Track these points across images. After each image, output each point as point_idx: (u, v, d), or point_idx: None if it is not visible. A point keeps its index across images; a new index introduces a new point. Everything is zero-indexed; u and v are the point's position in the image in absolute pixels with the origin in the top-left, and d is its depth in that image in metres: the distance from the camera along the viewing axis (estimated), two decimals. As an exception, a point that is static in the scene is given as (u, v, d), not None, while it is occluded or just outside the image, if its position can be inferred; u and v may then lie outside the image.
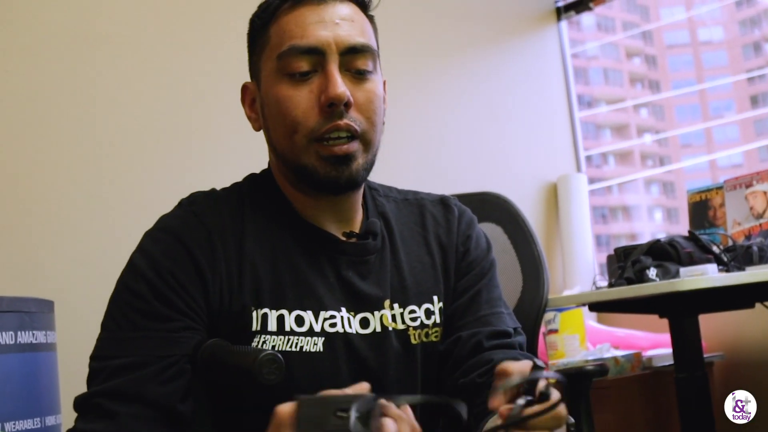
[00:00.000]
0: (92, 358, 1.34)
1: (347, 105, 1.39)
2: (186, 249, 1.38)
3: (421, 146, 3.98)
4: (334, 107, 1.38)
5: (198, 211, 1.45)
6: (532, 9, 4.66)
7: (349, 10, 1.45)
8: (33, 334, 2.11)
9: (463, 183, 3.81)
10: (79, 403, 1.31)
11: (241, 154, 2.88)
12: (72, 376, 1.86)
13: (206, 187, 1.55)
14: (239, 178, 1.59)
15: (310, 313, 1.42)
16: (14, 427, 2.00)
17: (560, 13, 4.73)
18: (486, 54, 4.42)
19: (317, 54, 1.40)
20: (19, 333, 2.06)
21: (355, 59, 1.42)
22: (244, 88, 1.56)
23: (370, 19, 1.52)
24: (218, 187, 1.55)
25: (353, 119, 1.40)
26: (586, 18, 4.98)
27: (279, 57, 1.42)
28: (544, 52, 4.69)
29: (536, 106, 4.58)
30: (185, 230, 1.41)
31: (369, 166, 1.47)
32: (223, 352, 1.32)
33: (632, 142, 21.77)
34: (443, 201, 1.65)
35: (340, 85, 1.38)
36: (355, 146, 1.41)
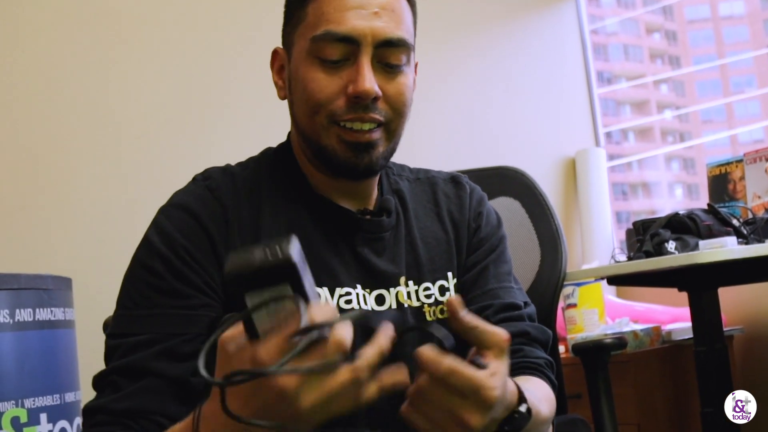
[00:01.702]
0: (109, 335, 1.34)
1: (375, 99, 1.38)
2: (200, 224, 1.37)
3: (440, 121, 3.97)
4: (360, 100, 1.36)
5: (212, 186, 1.43)
6: (550, -17, 4.64)
7: None
8: (51, 311, 2.12)
9: (481, 157, 3.81)
10: (96, 381, 1.32)
11: (259, 127, 2.88)
12: (90, 353, 1.87)
13: (224, 162, 1.54)
14: (257, 151, 1.57)
15: (325, 289, 1.40)
16: (34, 404, 2.01)
17: (578, -14, 4.70)
18: (504, 29, 4.40)
19: (351, 43, 1.37)
20: (37, 310, 2.08)
21: (389, 53, 1.39)
22: (275, 53, 1.53)
23: (411, 3, 1.49)
24: (237, 161, 1.55)
25: (380, 111, 1.39)
26: (606, -6, 4.93)
27: (313, 39, 1.39)
28: (562, 27, 4.66)
29: (555, 82, 4.56)
30: (199, 206, 1.40)
31: (389, 154, 1.46)
32: None
33: (652, 118, 21.71)
34: (454, 178, 1.64)
35: (369, 81, 1.36)
36: (378, 134, 1.40)
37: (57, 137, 2.93)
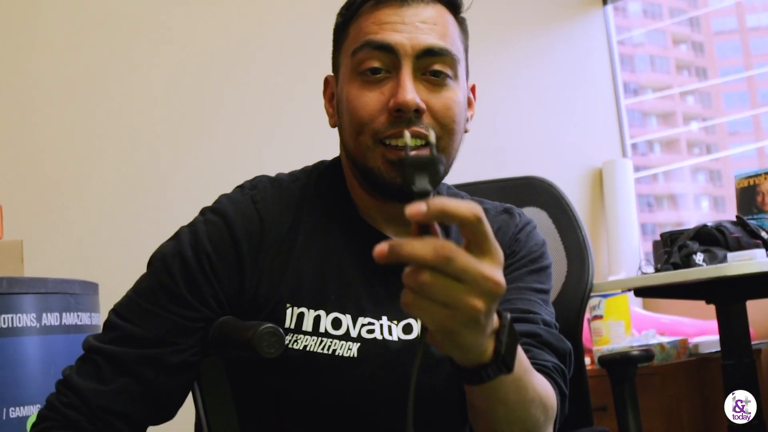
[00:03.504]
0: (114, 309, 1.35)
1: (418, 112, 1.32)
2: (232, 237, 1.36)
3: (468, 132, 3.96)
4: (401, 113, 1.31)
5: (257, 198, 1.41)
6: (578, -7, 4.63)
7: (433, 13, 1.39)
8: (78, 316, 2.12)
9: (508, 168, 3.80)
10: (87, 348, 1.32)
11: (294, 144, 2.88)
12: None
13: (253, 173, 1.51)
14: (289, 164, 1.55)
15: (348, 317, 1.38)
16: (59, 408, 2.02)
17: (606, -3, 4.70)
18: (531, 40, 4.40)
19: (391, 53, 1.34)
20: (64, 314, 2.08)
21: (431, 63, 1.35)
22: (326, 82, 1.51)
23: (461, 22, 1.46)
24: (264, 173, 1.51)
25: (425, 126, 1.33)
26: (633, 5, 4.93)
27: (353, 53, 1.37)
28: (589, 38, 4.66)
29: (582, 93, 4.55)
30: (238, 217, 1.38)
31: (441, 176, 1.41)
32: (229, 329, 1.32)
33: (679, 129, 21.54)
34: (507, 210, 1.58)
35: (410, 92, 1.31)
36: (425, 153, 1.30)
37: (85, 143, 2.94)
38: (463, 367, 1.05)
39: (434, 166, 0.95)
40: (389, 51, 1.34)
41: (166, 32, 3.21)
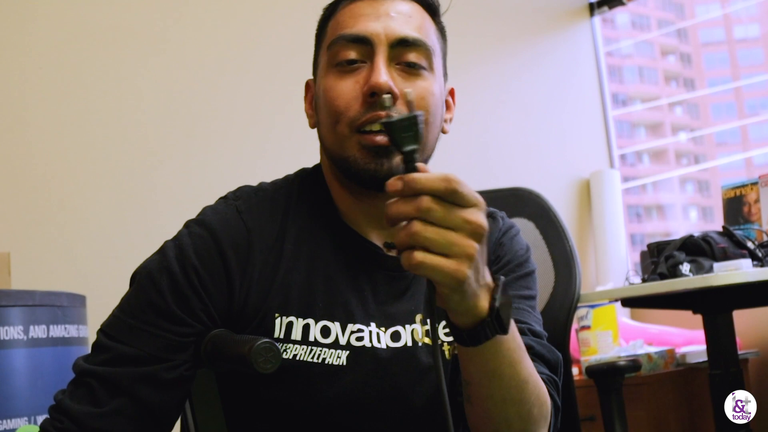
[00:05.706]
0: (102, 329, 1.33)
1: (393, 98, 1.32)
2: (219, 249, 1.34)
3: (456, 142, 3.95)
4: (376, 97, 1.32)
5: (242, 208, 1.40)
6: (565, 4, 4.64)
7: (409, 8, 1.40)
8: (65, 328, 2.12)
9: (496, 178, 3.80)
10: (78, 371, 1.31)
11: (287, 154, 2.88)
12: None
13: (232, 185, 1.50)
14: (269, 177, 1.53)
15: (337, 324, 1.37)
16: (47, 420, 2.02)
17: (593, 9, 4.71)
18: (519, 51, 4.41)
19: (365, 44, 1.35)
20: (51, 327, 2.08)
21: (406, 52, 1.36)
22: (307, 86, 1.52)
23: (438, 24, 1.47)
24: (250, 182, 1.51)
25: (398, 113, 1.32)
26: (621, 16, 4.95)
27: (329, 47, 1.39)
28: (577, 49, 4.67)
29: (570, 104, 4.56)
30: (224, 228, 1.36)
31: (422, 134, 1.39)
32: (222, 343, 1.30)
33: (667, 140, 21.64)
34: (490, 215, 1.56)
35: (383, 75, 1.32)
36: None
37: (72, 155, 2.94)
38: (463, 328, 1.12)
39: (416, 123, 1.04)
40: (364, 42, 1.36)
41: (158, 44, 3.21)
